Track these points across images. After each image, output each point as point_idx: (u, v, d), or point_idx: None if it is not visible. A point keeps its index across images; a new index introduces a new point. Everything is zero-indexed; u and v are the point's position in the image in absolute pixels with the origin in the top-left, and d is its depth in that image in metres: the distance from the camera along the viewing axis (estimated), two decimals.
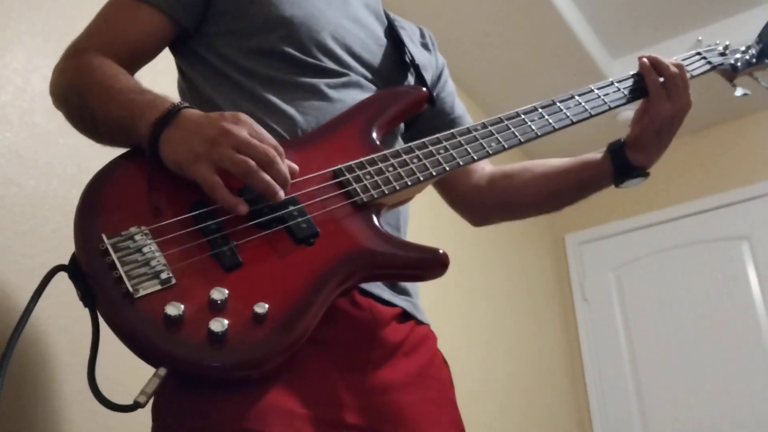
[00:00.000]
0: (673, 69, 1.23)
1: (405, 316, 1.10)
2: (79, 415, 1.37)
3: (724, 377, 3.37)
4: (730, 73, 1.43)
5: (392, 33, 1.28)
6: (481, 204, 1.37)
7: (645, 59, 1.25)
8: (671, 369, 3.51)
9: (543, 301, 3.71)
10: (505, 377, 3.13)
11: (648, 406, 3.54)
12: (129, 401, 0.80)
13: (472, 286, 3.10)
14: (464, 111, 1.39)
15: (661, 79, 1.23)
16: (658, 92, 1.22)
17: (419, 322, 1.13)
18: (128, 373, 1.05)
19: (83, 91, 1.02)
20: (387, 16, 1.32)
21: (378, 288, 1.06)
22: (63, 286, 0.90)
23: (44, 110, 1.48)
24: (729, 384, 3.35)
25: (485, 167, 1.37)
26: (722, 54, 1.43)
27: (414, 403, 1.02)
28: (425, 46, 1.37)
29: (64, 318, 1.38)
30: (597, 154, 1.28)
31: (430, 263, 0.97)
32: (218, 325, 0.80)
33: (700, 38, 1.46)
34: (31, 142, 1.48)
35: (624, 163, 1.24)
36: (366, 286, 1.04)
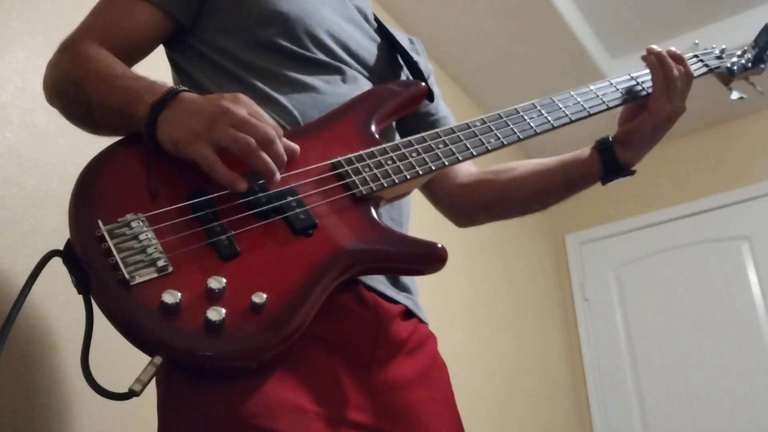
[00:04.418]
0: (676, 72, 1.23)
1: (407, 314, 1.10)
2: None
3: (725, 377, 3.36)
4: (726, 77, 1.44)
5: (385, 35, 1.29)
6: (467, 204, 1.36)
7: (653, 57, 1.24)
8: (671, 369, 3.51)
9: (543, 301, 3.71)
10: (506, 377, 3.13)
11: (648, 405, 3.53)
12: (125, 390, 0.78)
13: (472, 286, 3.10)
14: (448, 113, 1.38)
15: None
16: (662, 90, 1.22)
17: (421, 321, 1.13)
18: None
19: (79, 80, 1.01)
20: (377, 20, 1.32)
21: (381, 284, 1.06)
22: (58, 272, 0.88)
23: (44, 110, 1.48)
24: (729, 384, 3.35)
25: (471, 168, 1.37)
26: (719, 57, 1.43)
27: (418, 402, 1.01)
28: (415, 53, 1.36)
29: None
30: (583, 152, 1.28)
31: (429, 257, 0.96)
32: (215, 314, 0.78)
33: (696, 41, 1.46)
34: (32, 142, 1.48)
35: (613, 162, 1.24)
36: (370, 282, 1.04)
